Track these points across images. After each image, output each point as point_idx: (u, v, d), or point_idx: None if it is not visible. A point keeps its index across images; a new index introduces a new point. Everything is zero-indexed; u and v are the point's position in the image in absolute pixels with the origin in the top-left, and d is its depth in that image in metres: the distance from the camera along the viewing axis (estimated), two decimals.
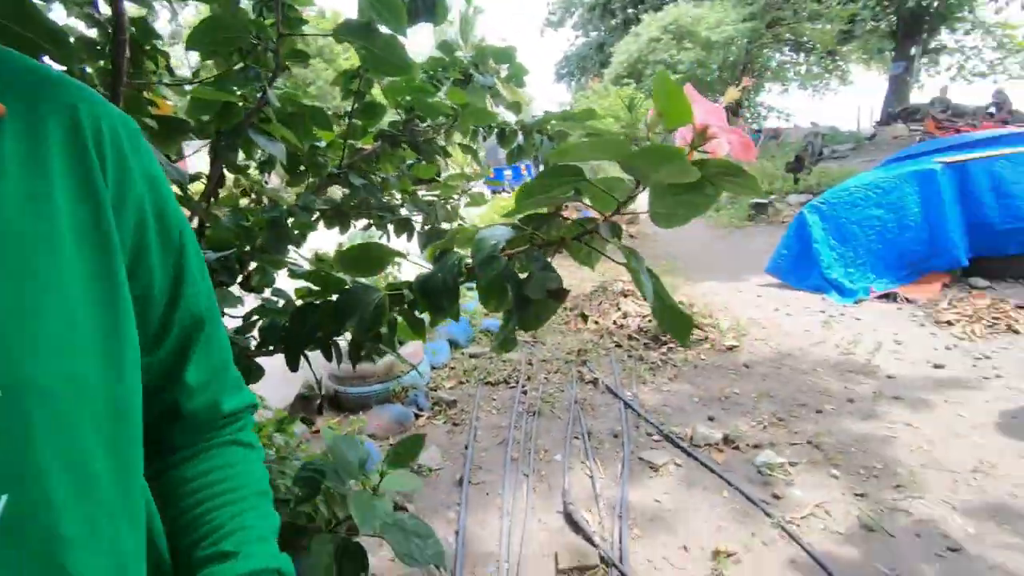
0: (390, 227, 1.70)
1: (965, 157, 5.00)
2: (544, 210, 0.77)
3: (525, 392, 3.49)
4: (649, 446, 2.84)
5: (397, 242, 1.69)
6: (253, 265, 1.28)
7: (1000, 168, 4.83)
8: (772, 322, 4.42)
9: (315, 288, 0.77)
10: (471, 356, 4.06)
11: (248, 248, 1.25)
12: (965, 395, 3.09)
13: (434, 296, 0.63)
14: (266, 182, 1.77)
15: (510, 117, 1.87)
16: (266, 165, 1.63)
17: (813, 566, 2.01)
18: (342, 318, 0.65)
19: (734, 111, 21.31)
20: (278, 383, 2.60)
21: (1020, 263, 4.80)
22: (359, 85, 1.47)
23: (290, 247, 1.35)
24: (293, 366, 0.76)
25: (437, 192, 1.94)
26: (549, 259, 0.74)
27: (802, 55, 24.32)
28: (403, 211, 1.65)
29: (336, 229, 1.67)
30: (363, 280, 0.81)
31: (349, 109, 1.51)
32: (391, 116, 1.70)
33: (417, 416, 3.27)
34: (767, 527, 2.23)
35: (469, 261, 0.64)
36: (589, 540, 2.18)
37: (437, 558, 0.76)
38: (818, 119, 21.11)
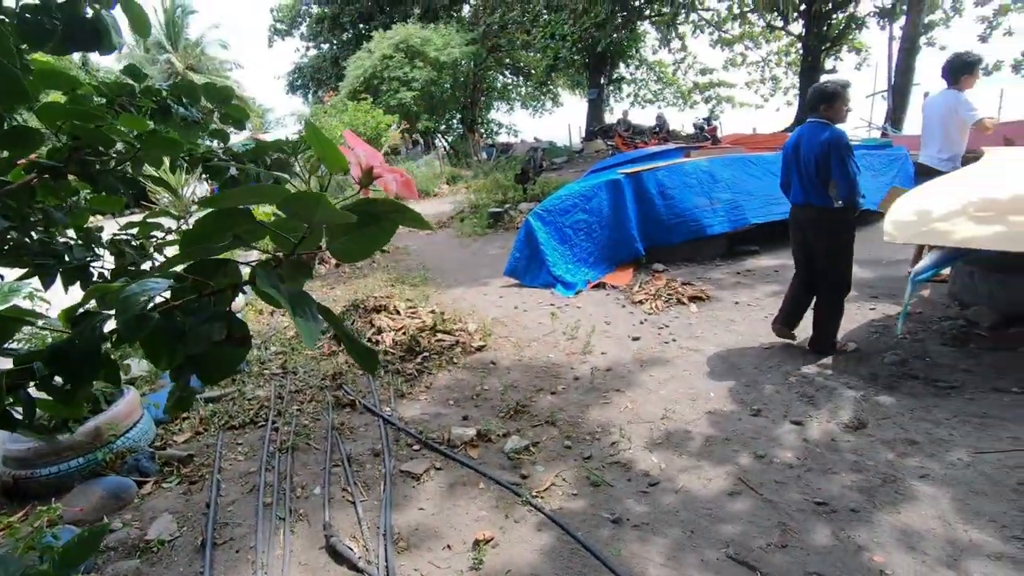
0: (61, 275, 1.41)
1: (639, 168, 6.28)
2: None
3: (276, 429, 3.24)
4: (410, 457, 2.91)
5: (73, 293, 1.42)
6: None
7: (662, 177, 6.19)
8: (512, 319, 4.91)
9: None
10: (208, 401, 3.60)
11: None
12: (654, 358, 3.89)
13: (71, 368, 0.55)
14: None
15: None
16: None
17: (556, 529, 2.31)
18: None
19: (470, 128, 23.05)
20: None
21: (683, 249, 6.22)
22: None
23: None
24: None
25: (134, 232, 1.66)
26: (226, 307, 0.71)
27: (521, 79, 27.57)
28: (75, 255, 1.38)
29: None
30: None
31: None
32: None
33: (141, 484, 2.77)
34: (519, 506, 2.48)
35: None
36: (354, 567, 2.13)
37: None
38: (540, 135, 24.22)
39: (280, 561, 2.22)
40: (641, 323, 4.58)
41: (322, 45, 26.72)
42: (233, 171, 1.72)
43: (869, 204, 6.46)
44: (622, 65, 25.01)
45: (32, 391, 0.68)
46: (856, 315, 4.19)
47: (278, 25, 26.76)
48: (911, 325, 3.91)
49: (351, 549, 2.23)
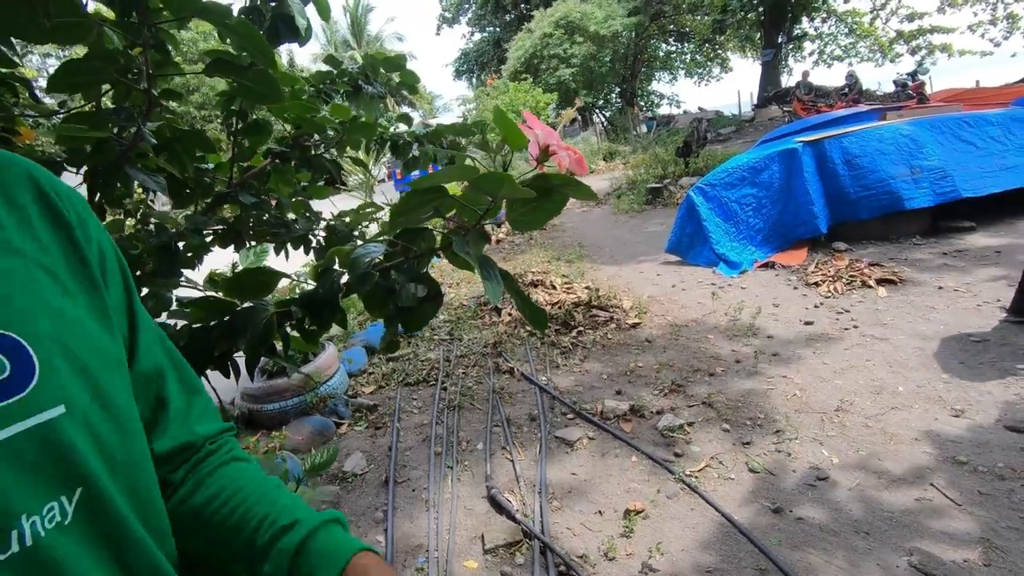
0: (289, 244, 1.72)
1: (821, 136, 5.64)
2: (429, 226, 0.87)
3: (445, 388, 3.58)
4: (564, 425, 3.03)
5: (296, 256, 1.73)
6: (145, 291, 1.29)
7: (849, 144, 5.48)
8: (670, 298, 4.78)
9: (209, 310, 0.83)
10: (389, 359, 4.09)
11: (139, 273, 1.25)
12: (829, 345, 3.54)
13: (317, 311, 0.71)
14: (152, 202, 1.74)
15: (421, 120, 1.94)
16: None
17: (709, 510, 2.27)
18: (235, 337, 0.72)
19: (630, 101, 22.37)
20: None
21: (872, 226, 5.49)
22: (239, 104, 1.50)
23: (184, 270, 1.36)
24: None
25: (347, 218, 1.96)
26: (424, 269, 0.84)
27: (686, 45, 25.93)
28: (299, 227, 1.68)
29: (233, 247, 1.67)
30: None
31: (233, 129, 1.53)
32: (281, 131, 1.72)
33: (338, 425, 3.27)
34: (671, 483, 2.47)
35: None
36: (512, 518, 2.32)
37: None
38: (705, 104, 22.70)
39: (448, 503, 2.49)
40: (816, 307, 4.18)
41: (486, 29, 27.76)
42: (415, 151, 1.95)
43: None
44: (804, 19, 22.20)
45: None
46: None
47: (445, 13, 28.34)
48: None
49: (510, 502, 2.42)
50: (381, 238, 0.83)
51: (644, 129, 18.09)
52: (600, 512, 2.35)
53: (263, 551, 0.54)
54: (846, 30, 22.99)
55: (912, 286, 4.26)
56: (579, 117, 20.64)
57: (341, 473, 2.80)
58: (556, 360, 3.83)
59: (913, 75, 14.38)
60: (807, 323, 3.91)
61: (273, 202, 1.71)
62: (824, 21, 23.03)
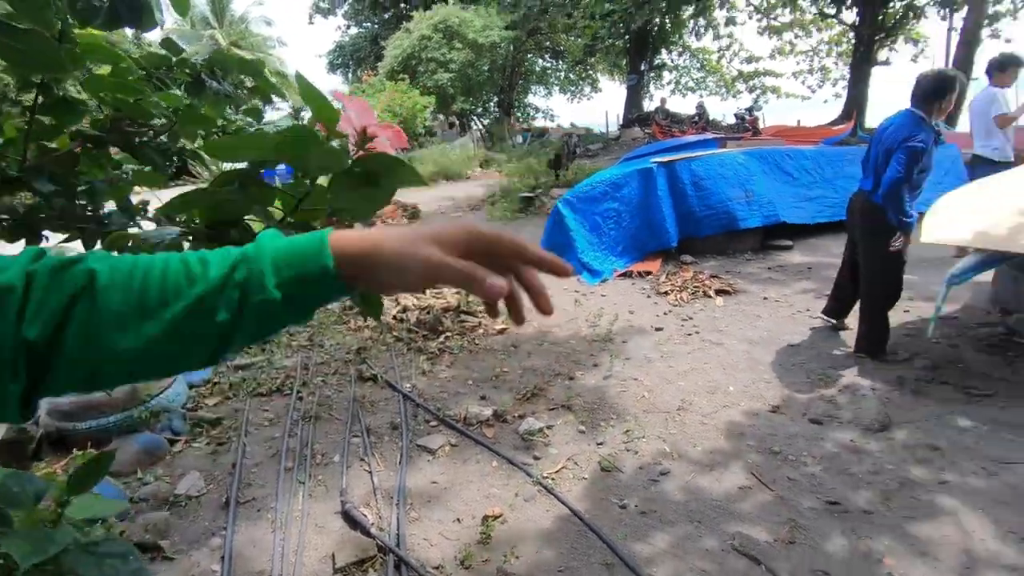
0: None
1: (673, 158, 6.18)
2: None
3: (301, 398, 3.36)
4: (427, 432, 2.98)
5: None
6: None
7: (696, 167, 6.07)
8: None
9: None
10: (238, 368, 3.75)
11: None
12: (674, 349, 3.87)
13: None
14: None
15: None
16: None
17: (564, 510, 2.35)
18: None
19: (507, 111, 22.90)
20: None
21: (714, 241, 6.12)
22: (42, 77, 1.27)
23: None
24: None
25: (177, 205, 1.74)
26: None
27: (561, 63, 27.23)
28: (113, 221, 1.46)
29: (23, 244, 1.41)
30: None
31: (31, 103, 1.29)
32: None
33: (173, 442, 2.92)
34: (528, 486, 2.52)
35: None
36: (367, 533, 2.22)
37: None
38: (577, 120, 23.99)
39: (298, 522, 2.32)
40: (665, 314, 4.55)
41: (363, 24, 26.88)
42: None
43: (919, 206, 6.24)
44: (664, 51, 24.43)
45: None
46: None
47: (320, 3, 26.99)
48: (947, 330, 3.79)
49: (365, 516, 2.31)
50: (178, 222, 0.73)
51: (520, 140, 18.63)
52: (459, 519, 2.34)
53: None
54: (698, 65, 25.74)
55: (743, 296, 4.81)
56: (456, 122, 20.71)
57: (173, 497, 2.50)
58: (422, 366, 3.77)
59: (750, 110, 16.40)
60: (657, 329, 4.24)
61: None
62: (680, 55, 25.59)
